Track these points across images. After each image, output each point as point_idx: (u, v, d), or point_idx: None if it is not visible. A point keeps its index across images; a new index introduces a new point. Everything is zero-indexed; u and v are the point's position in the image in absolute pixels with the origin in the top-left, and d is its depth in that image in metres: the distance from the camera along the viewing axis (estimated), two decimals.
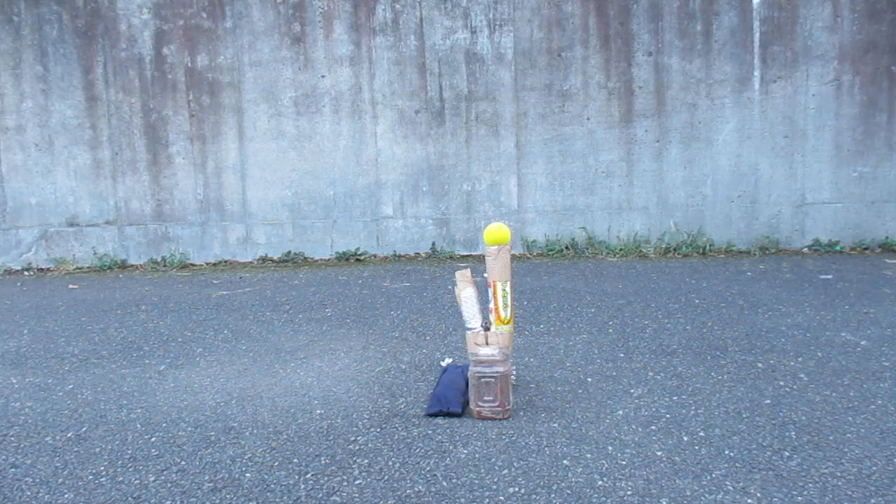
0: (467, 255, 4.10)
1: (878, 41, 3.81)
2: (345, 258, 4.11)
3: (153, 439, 1.86)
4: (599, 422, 1.85)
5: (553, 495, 1.49)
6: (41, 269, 4.19)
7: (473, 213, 4.09)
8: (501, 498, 1.50)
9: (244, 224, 4.21)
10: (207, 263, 4.16)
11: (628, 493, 1.49)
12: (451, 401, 1.95)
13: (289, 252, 4.21)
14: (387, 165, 4.09)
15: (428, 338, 2.65)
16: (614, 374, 2.20)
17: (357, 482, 1.59)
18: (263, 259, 4.25)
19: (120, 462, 1.74)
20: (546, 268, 3.75)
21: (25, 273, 4.15)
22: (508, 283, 2.02)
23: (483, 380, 1.88)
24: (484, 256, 2.15)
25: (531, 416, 1.90)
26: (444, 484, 1.56)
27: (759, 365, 2.22)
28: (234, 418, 1.94)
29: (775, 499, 1.45)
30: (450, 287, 3.34)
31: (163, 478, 1.64)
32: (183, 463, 1.72)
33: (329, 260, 4.13)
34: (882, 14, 3.80)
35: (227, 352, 2.54)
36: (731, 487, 1.50)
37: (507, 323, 2.03)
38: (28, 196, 4.17)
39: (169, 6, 4.07)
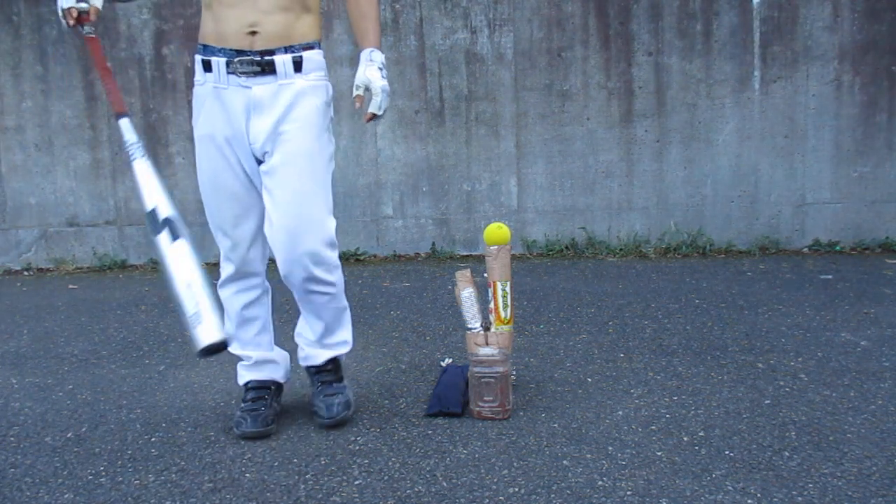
0: (467, 255, 4.11)
1: (878, 41, 3.81)
2: (345, 258, 4.11)
3: (153, 439, 1.86)
4: (599, 422, 1.85)
5: (553, 495, 1.49)
6: (41, 270, 4.19)
7: (473, 213, 4.09)
8: (501, 498, 1.50)
9: None
10: (207, 264, 4.16)
11: (628, 493, 1.49)
12: (451, 401, 1.96)
13: None
14: (387, 165, 4.09)
15: (428, 338, 2.65)
16: (614, 374, 2.20)
17: (357, 482, 1.59)
18: None
19: (120, 462, 1.74)
20: (546, 268, 3.75)
21: (25, 273, 4.15)
22: (508, 283, 2.03)
23: (483, 380, 1.88)
24: (484, 256, 2.15)
25: (531, 416, 1.90)
26: (444, 484, 1.56)
27: (759, 365, 2.22)
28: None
29: (775, 499, 1.45)
30: (450, 287, 3.34)
31: (163, 478, 1.64)
32: (183, 463, 1.72)
33: None
34: (882, 14, 3.80)
35: (227, 352, 2.54)
36: (731, 487, 1.50)
37: (507, 323, 2.03)
38: (28, 196, 4.17)
39: (168, 6, 4.07)
